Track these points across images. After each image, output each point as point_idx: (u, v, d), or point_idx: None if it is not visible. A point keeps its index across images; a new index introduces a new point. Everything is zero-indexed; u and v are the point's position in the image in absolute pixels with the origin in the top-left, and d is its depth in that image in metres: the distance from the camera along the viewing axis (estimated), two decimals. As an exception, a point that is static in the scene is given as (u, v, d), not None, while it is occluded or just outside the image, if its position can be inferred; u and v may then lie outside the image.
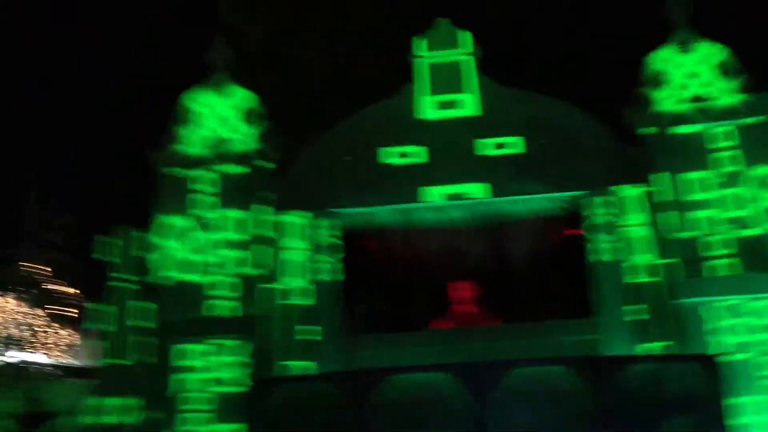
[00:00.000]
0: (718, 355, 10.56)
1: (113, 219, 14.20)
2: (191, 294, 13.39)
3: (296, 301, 13.12)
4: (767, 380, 11.66)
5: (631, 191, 13.00)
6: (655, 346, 11.85)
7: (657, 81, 13.59)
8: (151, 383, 12.86)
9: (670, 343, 11.77)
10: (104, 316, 13.32)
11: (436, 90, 13.99)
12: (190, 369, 12.99)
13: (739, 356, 11.78)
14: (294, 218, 13.60)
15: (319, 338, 12.93)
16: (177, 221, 13.80)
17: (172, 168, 14.08)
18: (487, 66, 14.16)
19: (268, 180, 13.85)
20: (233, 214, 13.79)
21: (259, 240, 13.58)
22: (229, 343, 13.01)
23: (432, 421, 10.05)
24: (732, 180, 12.92)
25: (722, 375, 9.99)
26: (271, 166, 14.01)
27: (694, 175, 13.00)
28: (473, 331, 13.06)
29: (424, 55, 14.19)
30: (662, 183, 12.93)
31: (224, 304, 13.35)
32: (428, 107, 13.97)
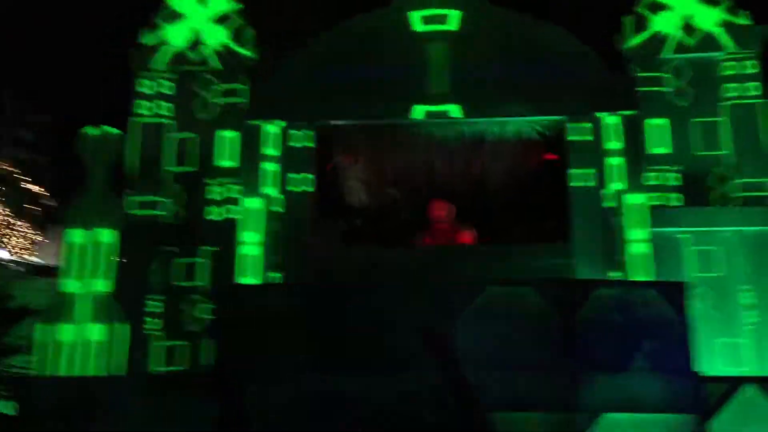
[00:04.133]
0: (685, 283, 10.77)
1: (89, 118, 13.86)
2: (161, 197, 13.21)
3: (271, 207, 13.02)
4: (729, 307, 11.96)
5: (611, 119, 12.92)
6: (625, 273, 12.02)
7: (647, 10, 13.37)
8: (122, 282, 12.78)
9: (641, 269, 11.94)
10: (74, 215, 13.12)
11: (423, 3, 13.59)
12: (159, 271, 12.90)
13: (706, 286, 12.05)
14: (269, 127, 13.34)
15: (289, 248, 12.88)
16: (153, 121, 13.51)
17: (151, 68, 13.67)
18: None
19: (243, 86, 13.49)
20: (205, 117, 13.51)
21: (232, 146, 13.34)
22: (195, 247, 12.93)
23: (403, 337, 10.13)
24: (708, 113, 12.93)
25: (688, 302, 10.21)
26: (246, 71, 13.65)
27: (673, 106, 12.97)
28: (448, 249, 13.13)
29: (413, -33, 13.69)
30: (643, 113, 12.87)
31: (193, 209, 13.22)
32: (414, 22, 13.59)
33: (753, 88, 12.96)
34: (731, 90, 13.02)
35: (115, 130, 13.46)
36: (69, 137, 14.01)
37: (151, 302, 12.72)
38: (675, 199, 12.61)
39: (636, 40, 13.20)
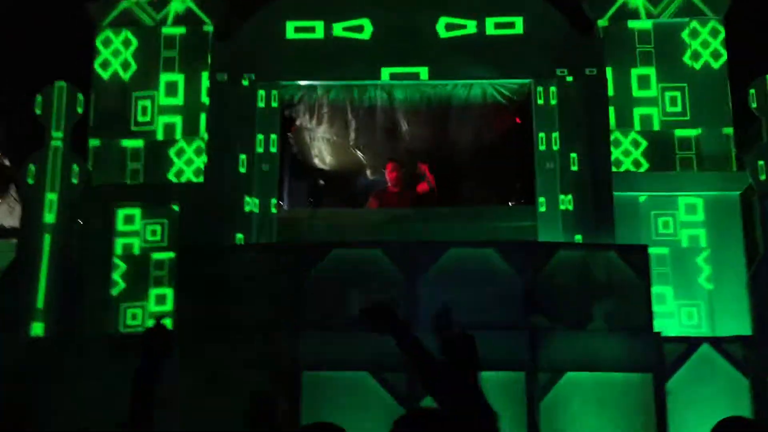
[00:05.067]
0: (646, 245, 10.94)
1: (47, 75, 13.41)
2: (124, 158, 12.95)
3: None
4: (687, 272, 12.19)
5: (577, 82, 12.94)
6: (588, 236, 12.15)
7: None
8: (78, 245, 12.55)
9: (603, 233, 12.08)
10: (30, 176, 12.77)
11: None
12: (119, 233, 12.71)
13: (665, 249, 12.24)
14: (232, 87, 13.08)
15: (253, 210, 12.73)
16: (114, 80, 13.16)
17: (113, 22, 13.27)
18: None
19: (207, 44, 13.19)
20: (167, 77, 13.20)
21: (195, 106, 13.08)
22: (160, 208, 12.74)
23: (365, 298, 10.10)
24: (673, 79, 13.03)
25: (649, 265, 10.38)
26: (210, 29, 13.35)
27: (639, 71, 13.03)
28: (411, 211, 13.12)
29: None
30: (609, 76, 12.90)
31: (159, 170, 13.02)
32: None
33: (716, 52, 13.06)
34: (695, 54, 13.11)
35: (77, 90, 13.06)
36: (20, 91, 13.59)
37: (116, 263, 12.54)
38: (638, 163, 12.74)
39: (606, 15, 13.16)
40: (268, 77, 13.14)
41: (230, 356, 9.69)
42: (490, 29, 13.08)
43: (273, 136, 13.06)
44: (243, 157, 12.87)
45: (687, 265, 12.22)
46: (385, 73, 13.00)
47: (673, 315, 11.92)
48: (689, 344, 10.32)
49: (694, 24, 13.09)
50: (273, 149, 13.02)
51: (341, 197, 14.03)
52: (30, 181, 12.75)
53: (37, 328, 12.02)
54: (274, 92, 13.18)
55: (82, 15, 13.53)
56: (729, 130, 12.69)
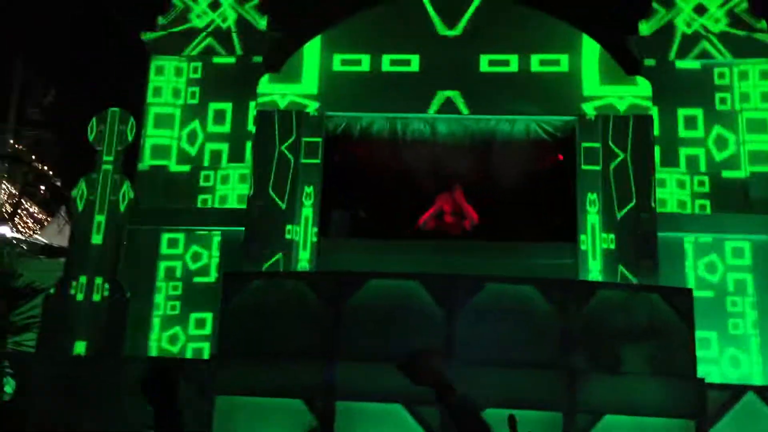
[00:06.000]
0: (690, 289, 10.71)
1: (101, 101, 13.92)
2: (173, 183, 13.30)
3: (275, 198, 12.99)
4: (733, 317, 11.90)
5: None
6: (631, 276, 11.97)
7: (665, 10, 13.33)
8: (123, 267, 12.81)
9: (646, 273, 11.88)
10: (81, 196, 13.14)
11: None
12: (165, 257, 12.97)
13: (710, 292, 11.99)
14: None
15: (296, 238, 12.85)
16: (166, 109, 13.58)
17: (165, 52, 13.71)
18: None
19: (256, 74, 13.49)
20: (217, 106, 13.56)
21: (241, 134, 13.36)
22: (203, 233, 12.98)
23: (402, 330, 10.08)
24: (721, 120, 12.88)
25: (692, 308, 10.15)
26: (259, 60, 13.68)
27: (686, 111, 12.93)
28: (452, 244, 13.06)
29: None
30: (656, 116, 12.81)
31: (204, 196, 13.31)
32: (429, 17, 13.54)
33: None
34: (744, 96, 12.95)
35: (129, 117, 13.47)
36: (78, 115, 14.04)
37: (159, 286, 12.78)
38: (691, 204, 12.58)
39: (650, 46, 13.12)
40: (317, 108, 13.33)
41: (265, 383, 9.73)
42: (536, 67, 13.13)
43: (316, 165, 13.21)
44: (287, 185, 13.02)
45: (731, 310, 11.96)
46: (431, 104, 13.11)
47: (717, 361, 11.66)
48: (734, 392, 10.02)
49: (746, 66, 12.98)
50: (318, 178, 13.15)
51: (381, 229, 14.01)
52: (80, 203, 13.13)
53: (80, 347, 12.28)
54: (320, 123, 13.34)
55: (137, 43, 14.03)
56: None
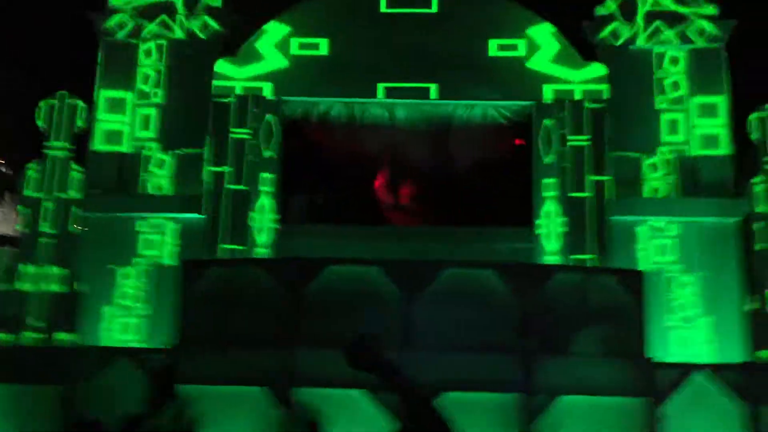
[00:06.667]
0: (642, 271, 10.97)
1: (51, 85, 13.52)
2: (126, 169, 13.07)
3: (232, 185, 12.86)
4: (683, 298, 12.24)
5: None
6: (586, 258, 12.18)
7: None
8: (77, 255, 12.59)
9: (598, 256, 12.12)
10: (32, 184, 12.84)
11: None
12: (121, 243, 12.75)
13: (661, 273, 12.34)
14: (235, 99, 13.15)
15: (253, 224, 12.77)
16: (119, 92, 13.27)
17: (117, 34, 13.40)
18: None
19: (211, 57, 13.29)
20: (171, 89, 13.34)
21: (198, 118, 13.18)
22: (157, 221, 12.80)
23: (362, 316, 10.11)
24: (674, 104, 13.14)
25: (644, 290, 10.40)
26: (215, 42, 13.50)
27: (639, 95, 13.17)
28: (411, 230, 13.13)
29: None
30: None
31: (158, 182, 13.11)
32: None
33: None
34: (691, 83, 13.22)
35: (80, 102, 13.15)
36: (26, 102, 13.69)
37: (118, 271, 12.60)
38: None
39: (605, 32, 13.30)
40: (273, 93, 13.21)
41: (227, 371, 9.69)
42: (495, 52, 13.21)
43: (272, 153, 13.11)
44: (245, 172, 12.91)
45: (680, 290, 12.31)
46: (389, 89, 13.09)
47: (666, 340, 11.97)
48: (683, 370, 10.32)
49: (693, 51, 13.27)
50: (276, 164, 13.06)
51: (339, 214, 14.00)
52: (28, 190, 12.79)
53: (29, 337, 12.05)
54: (277, 108, 13.23)
55: (87, 23, 13.67)
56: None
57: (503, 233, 12.76)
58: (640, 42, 13.38)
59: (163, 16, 13.57)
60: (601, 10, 13.52)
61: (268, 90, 13.22)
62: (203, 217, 12.67)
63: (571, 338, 10.01)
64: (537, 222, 12.66)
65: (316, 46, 13.33)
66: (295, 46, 13.36)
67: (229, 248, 12.61)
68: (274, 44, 13.33)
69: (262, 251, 12.67)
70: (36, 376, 10.27)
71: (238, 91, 13.14)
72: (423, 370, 9.71)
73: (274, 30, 13.40)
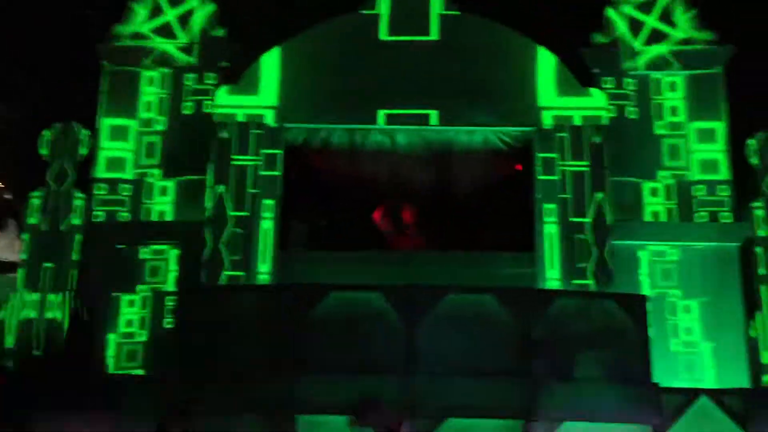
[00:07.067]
0: (645, 295, 10.95)
1: (54, 114, 13.65)
2: (128, 196, 13.17)
3: (233, 212, 12.89)
4: (685, 322, 12.21)
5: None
6: (587, 283, 12.16)
7: (615, 25, 13.68)
8: (80, 282, 12.60)
9: (599, 281, 12.11)
10: (34, 212, 12.90)
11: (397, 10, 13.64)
12: (122, 271, 12.77)
13: (664, 298, 12.33)
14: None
15: (254, 250, 12.78)
16: (121, 121, 13.41)
17: (120, 63, 13.57)
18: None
19: (216, 83, 13.45)
20: (174, 117, 13.50)
21: (200, 146, 13.27)
22: (158, 247, 12.80)
23: (364, 342, 10.12)
24: (674, 130, 13.24)
25: (647, 314, 10.38)
26: (216, 71, 13.66)
27: (639, 121, 13.30)
28: (412, 255, 13.14)
29: (389, -27, 13.75)
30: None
31: (158, 209, 13.16)
32: (387, 28, 13.63)
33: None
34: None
35: (83, 130, 13.28)
36: (30, 129, 13.80)
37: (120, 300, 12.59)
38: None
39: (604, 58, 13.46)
40: (275, 120, 13.30)
41: (227, 399, 9.65)
42: (495, 77, 13.29)
43: (274, 176, 13.17)
44: (246, 198, 12.94)
45: (683, 315, 12.27)
46: (390, 116, 13.16)
47: (671, 365, 11.89)
48: (688, 395, 10.26)
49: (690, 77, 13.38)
50: (277, 190, 13.10)
51: (340, 240, 14.01)
52: (32, 218, 12.83)
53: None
54: (279, 134, 13.31)
55: (91, 53, 13.85)
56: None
57: (504, 258, 12.75)
58: (639, 68, 13.53)
59: (166, 45, 13.77)
60: (599, 37, 13.72)
61: (269, 117, 13.31)
62: (205, 243, 12.67)
63: (575, 363, 9.97)
64: (538, 247, 12.64)
65: (316, 74, 13.44)
66: (296, 74, 13.46)
67: (230, 275, 12.59)
68: (275, 72, 13.44)
69: (263, 278, 12.66)
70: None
71: (240, 118, 13.24)
72: (425, 395, 9.78)
73: (275, 58, 13.52)
